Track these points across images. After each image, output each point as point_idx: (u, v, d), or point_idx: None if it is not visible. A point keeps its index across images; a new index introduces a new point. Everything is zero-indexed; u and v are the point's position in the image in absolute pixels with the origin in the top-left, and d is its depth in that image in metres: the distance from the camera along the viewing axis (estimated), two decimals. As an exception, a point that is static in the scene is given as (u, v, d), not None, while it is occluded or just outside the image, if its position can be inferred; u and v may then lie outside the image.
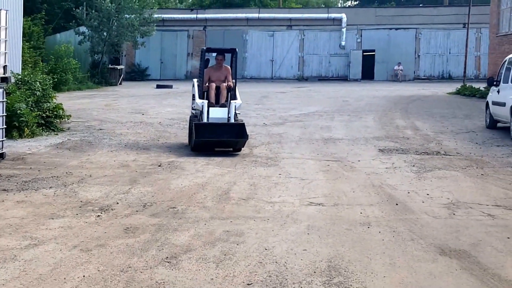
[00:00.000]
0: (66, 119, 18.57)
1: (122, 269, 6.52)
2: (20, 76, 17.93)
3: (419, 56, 49.95)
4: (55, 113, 17.97)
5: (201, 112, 14.36)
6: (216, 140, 14.07)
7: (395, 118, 22.06)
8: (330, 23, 49.79)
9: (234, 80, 15.24)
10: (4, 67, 13.25)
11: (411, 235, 7.92)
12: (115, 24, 40.45)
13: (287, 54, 49.83)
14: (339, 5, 77.35)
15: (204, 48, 16.04)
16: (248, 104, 26.90)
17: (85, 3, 42.29)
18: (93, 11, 40.26)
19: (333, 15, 49.81)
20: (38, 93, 17.32)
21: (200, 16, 50.00)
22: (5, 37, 13.19)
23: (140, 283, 6.14)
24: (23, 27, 37.48)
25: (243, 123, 14.31)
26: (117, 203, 9.44)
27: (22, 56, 25.14)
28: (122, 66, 44.86)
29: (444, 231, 8.13)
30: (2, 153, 13.10)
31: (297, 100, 30.19)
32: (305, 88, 40.20)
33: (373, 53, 49.82)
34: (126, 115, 22.67)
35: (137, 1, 40.55)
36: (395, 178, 11.46)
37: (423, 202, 9.68)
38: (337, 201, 9.70)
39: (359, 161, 13.36)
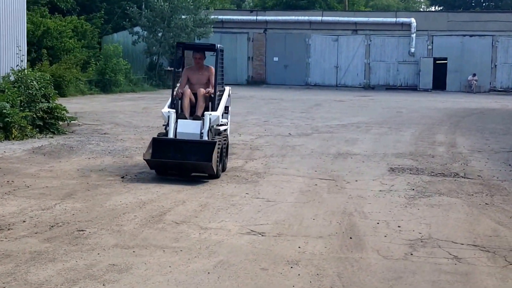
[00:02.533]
0: (68, 121, 17.78)
1: None
2: (18, 74, 17.08)
3: (495, 66, 47.53)
4: (55, 114, 17.09)
5: (167, 124, 11.70)
6: (175, 162, 11.29)
7: (437, 133, 20.54)
8: (398, 28, 47.88)
9: (223, 85, 13.25)
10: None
11: (334, 281, 6.58)
12: (171, 24, 39.65)
13: (352, 61, 48.21)
14: (422, 9, 74.81)
15: (178, 43, 13.83)
16: (293, 113, 26.12)
17: (143, 3, 41.84)
18: (147, 10, 39.70)
19: (401, 20, 47.80)
20: (35, 92, 16.43)
21: (260, 18, 48.92)
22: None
23: None
24: (75, 26, 37.45)
25: (214, 142, 11.23)
26: (24, 221, 8.48)
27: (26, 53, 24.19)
28: (180, 69, 44.07)
29: (380, 277, 6.77)
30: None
31: (348, 110, 28.89)
32: (367, 98, 38.75)
33: (445, 61, 47.65)
34: (151, 120, 21.95)
35: (191, 1, 39.77)
36: (378, 204, 10.14)
37: (385, 236, 8.33)
38: (284, 231, 8.46)
39: (356, 181, 12.06)
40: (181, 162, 11.27)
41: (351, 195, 10.81)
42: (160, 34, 40.13)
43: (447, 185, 11.89)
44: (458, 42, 47.44)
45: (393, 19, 48.00)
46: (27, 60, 31.94)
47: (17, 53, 17.08)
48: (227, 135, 12.61)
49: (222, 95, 12.74)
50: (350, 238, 8.20)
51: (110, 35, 43.72)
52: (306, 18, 48.46)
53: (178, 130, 11.52)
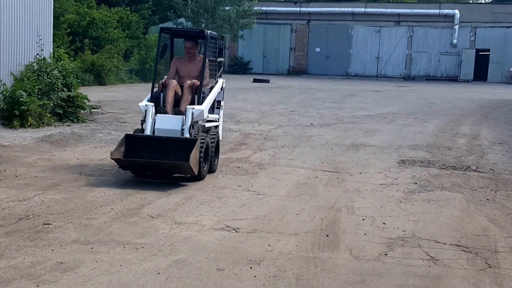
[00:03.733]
0: (88, 110, 17.41)
1: None
2: (38, 63, 16.75)
3: (539, 57, 45.68)
4: (75, 102, 16.75)
5: (144, 119, 10.19)
6: (149, 161, 9.78)
7: (463, 124, 19.63)
8: (441, 19, 46.50)
9: (217, 78, 11.72)
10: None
11: (289, 284, 5.97)
12: (214, 15, 39.19)
13: (394, 51, 47.05)
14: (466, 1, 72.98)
15: (162, 27, 11.71)
16: (323, 103, 25.42)
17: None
18: (191, 1, 39.30)
19: (445, 11, 46.38)
20: (54, 81, 16.08)
21: (303, 9, 48.05)
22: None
23: None
24: (120, 17, 37.28)
25: (195, 139, 9.69)
26: (-5, 213, 7.95)
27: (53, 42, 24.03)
28: (222, 59, 43.59)
29: (342, 280, 6.16)
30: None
31: (380, 100, 27.97)
32: (405, 88, 37.69)
33: (488, 52, 46.06)
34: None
35: (234, -8, 39.30)
36: (372, 199, 9.47)
37: (365, 234, 7.67)
38: (260, 227, 7.87)
39: (360, 173, 11.39)
40: (155, 162, 9.71)
41: (348, 188, 10.15)
42: (203, 25, 39.64)
43: (453, 179, 11.14)
44: (502, 34, 45.78)
45: (437, 11, 46.60)
46: (72, 50, 32.14)
47: (37, 42, 16.64)
48: (216, 132, 11.08)
49: (213, 88, 11.20)
50: (327, 235, 7.57)
51: (156, 26, 43.46)
52: (349, 9, 47.44)
53: (156, 126, 10.08)
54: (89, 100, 17.34)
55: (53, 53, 18.73)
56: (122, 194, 9.24)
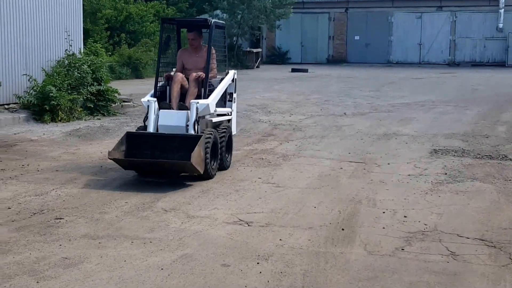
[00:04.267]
0: (119, 103, 17.40)
1: None
2: (74, 57, 16.79)
3: None
4: (106, 96, 16.76)
5: (146, 116, 9.68)
6: (148, 161, 9.21)
7: (505, 111, 19.10)
8: (485, 3, 45.37)
9: (227, 69, 11.04)
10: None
11: (295, 280, 5.73)
12: (250, 6, 38.98)
13: (436, 38, 46.17)
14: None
15: (165, 18, 11.45)
16: (361, 91, 25.04)
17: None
18: (226, -8, 39.21)
19: (489, -6, 45.27)
20: (84, 75, 16.08)
21: (342, -4, 47.54)
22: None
23: None
24: (156, 11, 37.32)
25: (199, 136, 9.04)
26: (9, 208, 8.01)
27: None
28: (259, 49, 43.56)
29: (352, 276, 5.90)
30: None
31: (421, 88, 27.43)
32: (448, 75, 36.97)
33: (536, 36, 44.88)
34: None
35: (270, -18, 39.02)
36: (396, 191, 9.16)
37: (383, 228, 7.38)
38: (274, 220, 7.64)
39: (388, 164, 11.07)
40: (155, 161, 9.12)
41: (372, 180, 9.85)
42: (239, 17, 39.56)
43: (487, 168, 10.74)
44: (551, 16, 44.50)
45: (481, -7, 45.47)
46: (110, 44, 32.31)
47: (65, 38, 16.66)
48: (227, 126, 10.37)
49: (222, 80, 10.54)
50: (342, 229, 7.30)
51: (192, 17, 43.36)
52: (389, -5, 46.73)
53: (159, 123, 9.50)
54: (119, 94, 17.33)
55: (89, 48, 18.83)
56: (139, 187, 9.14)
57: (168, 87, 10.10)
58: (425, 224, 7.51)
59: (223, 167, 10.00)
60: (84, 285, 5.52)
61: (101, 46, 21.47)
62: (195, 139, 8.97)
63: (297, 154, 11.86)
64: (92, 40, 22.65)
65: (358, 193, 8.95)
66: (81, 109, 15.99)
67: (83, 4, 28.19)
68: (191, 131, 9.32)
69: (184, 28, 11.07)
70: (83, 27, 23.34)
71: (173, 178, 9.44)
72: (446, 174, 10.28)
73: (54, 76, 15.73)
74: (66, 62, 16.63)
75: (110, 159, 9.12)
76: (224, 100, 10.73)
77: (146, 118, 9.64)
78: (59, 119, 15.19)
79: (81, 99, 15.95)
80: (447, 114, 18.29)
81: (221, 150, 9.79)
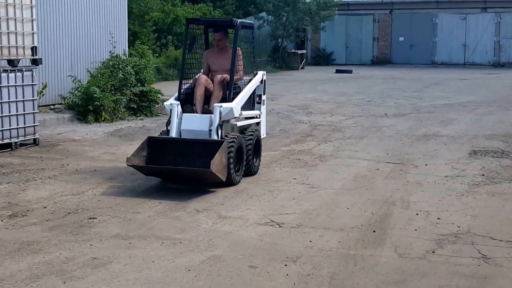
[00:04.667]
0: (162, 104, 17.41)
1: None
2: (118, 59, 16.86)
3: None
4: (149, 97, 16.80)
5: (169, 120, 9.17)
6: (168, 168, 8.72)
7: (549, 112, 18.50)
8: (531, 4, 44.38)
9: (255, 70, 10.41)
10: (33, 48, 12.16)
11: (321, 283, 5.59)
12: (295, 8, 38.80)
13: (481, 39, 45.22)
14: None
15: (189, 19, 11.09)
16: (404, 92, 24.65)
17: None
18: (271, -6, 39.07)
19: (535, -5, 44.26)
20: (127, 77, 16.13)
21: (386, -1, 46.97)
22: (32, 16, 12.07)
23: None
24: (203, 13, 37.41)
25: (221, 141, 8.51)
26: (45, 207, 7.99)
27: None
28: (304, 51, 43.28)
29: (381, 280, 5.71)
30: (36, 138, 12.22)
31: (464, 89, 26.89)
32: (493, 75, 36.19)
33: None
34: (253, 101, 21.05)
35: (315, -16, 38.75)
36: (431, 192, 8.94)
37: (416, 230, 7.18)
38: (306, 221, 7.51)
39: (426, 165, 10.84)
40: (176, 168, 8.62)
41: (408, 181, 9.64)
42: (284, 18, 39.33)
43: (525, 170, 10.41)
44: None
45: (526, -6, 44.50)
46: (157, 46, 32.45)
47: (109, 40, 16.75)
48: (255, 130, 9.75)
49: (250, 81, 9.97)
50: (374, 231, 7.12)
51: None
52: (433, -4, 46.00)
53: (182, 127, 9.02)
54: (162, 94, 17.29)
55: (137, 49, 18.93)
56: (175, 188, 9.04)
57: (194, 90, 9.59)
58: (458, 227, 7.30)
59: (250, 172, 9.47)
60: (110, 285, 5.46)
61: (148, 48, 21.51)
62: (217, 144, 8.42)
63: (334, 155, 11.68)
64: (139, 42, 22.70)
65: (392, 195, 8.75)
66: (124, 109, 16.03)
67: (131, 7, 28.54)
68: (214, 136, 8.80)
69: (211, 29, 10.36)
70: (131, 29, 23.52)
71: (196, 186, 8.90)
72: (483, 175, 10.00)
73: (98, 77, 15.80)
74: (110, 63, 16.67)
75: (129, 165, 8.61)
76: (253, 102, 10.24)
77: (169, 122, 9.14)
78: (102, 119, 15.25)
79: (124, 99, 15.99)
80: (489, 115, 17.88)
81: (247, 155, 9.25)
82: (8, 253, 6.22)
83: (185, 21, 34.59)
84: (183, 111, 9.14)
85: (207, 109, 9.18)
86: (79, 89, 15.44)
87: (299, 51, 42.02)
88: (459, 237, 6.93)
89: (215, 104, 8.96)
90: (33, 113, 12.19)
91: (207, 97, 9.37)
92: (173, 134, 8.94)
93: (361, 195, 8.75)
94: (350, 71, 37.04)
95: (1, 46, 11.56)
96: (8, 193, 8.57)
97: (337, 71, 37.48)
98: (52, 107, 15.60)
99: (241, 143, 8.98)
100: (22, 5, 11.90)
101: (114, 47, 16.68)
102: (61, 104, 15.74)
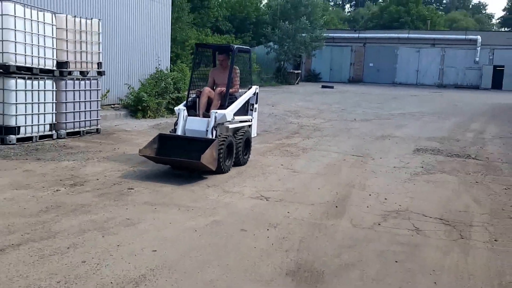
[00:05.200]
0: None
1: None
2: (165, 72, 16.80)
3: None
4: (183, 101, 16.56)
5: (177, 121, 8.84)
6: (172, 159, 8.19)
7: (475, 121, 18.25)
8: (467, 43, 43.93)
9: (250, 85, 9.90)
10: (99, 63, 12.02)
11: (293, 244, 5.38)
12: (294, 40, 38.54)
13: (430, 66, 44.86)
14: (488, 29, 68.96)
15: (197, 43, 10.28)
16: (370, 104, 24.36)
17: (276, 26, 40.91)
18: (278, 30, 38.79)
19: (470, 37, 43.83)
20: (167, 85, 15.98)
21: (361, 35, 46.52)
22: (99, 40, 11.94)
23: None
24: (227, 41, 37.11)
25: (211, 139, 8.11)
26: (97, 179, 7.77)
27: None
28: (299, 71, 43.02)
29: (337, 244, 5.49)
30: (98, 128, 12.04)
31: (415, 102, 26.54)
32: (437, 93, 35.80)
33: (503, 68, 43.29)
34: (260, 106, 20.75)
35: (309, 23, 38.41)
36: (382, 179, 8.67)
37: (367, 207, 6.94)
38: (287, 197, 7.26)
39: (380, 158, 10.57)
40: (176, 160, 8.11)
41: (366, 169, 9.38)
42: (286, 47, 39.07)
43: (454, 164, 10.16)
44: (514, 54, 42.91)
45: (463, 36, 44.12)
46: (193, 63, 32.24)
47: (156, 59, 16.63)
48: (246, 131, 9.25)
49: (244, 93, 9.50)
50: (336, 207, 6.89)
51: (253, 47, 43.15)
52: (396, 35, 45.58)
53: (186, 127, 8.67)
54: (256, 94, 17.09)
55: (178, 66, 18.81)
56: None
57: (198, 99, 9.14)
58: (400, 205, 7.06)
59: (239, 163, 8.94)
60: (136, 240, 5.28)
61: (186, 65, 21.32)
62: (210, 142, 8.02)
63: (313, 148, 11.45)
64: (180, 61, 22.49)
65: (353, 180, 8.52)
66: (164, 109, 15.86)
67: (176, 36, 28.30)
68: (209, 135, 8.43)
69: (216, 51, 9.73)
70: (175, 52, 23.29)
71: (194, 173, 8.28)
72: (422, 167, 9.75)
73: (146, 86, 15.68)
74: (156, 76, 16.51)
75: (141, 155, 8.11)
76: (247, 109, 9.68)
77: (176, 122, 8.75)
78: (148, 116, 15.10)
79: (165, 102, 15.83)
80: (431, 122, 17.60)
81: (237, 150, 8.80)
82: (66, 213, 6.06)
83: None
84: (189, 114, 8.79)
85: (206, 114, 8.78)
86: (132, 93, 15.31)
87: (296, 71, 41.76)
88: (399, 213, 6.70)
89: (212, 110, 8.59)
90: (97, 110, 12.02)
91: (209, 104, 8.96)
92: (179, 132, 8.61)
93: (330, 179, 8.52)
94: (332, 87, 36.76)
95: (75, 61, 11.40)
96: (72, 168, 8.39)
97: (323, 87, 37.20)
98: (112, 106, 15.47)
99: (232, 141, 8.56)
100: (92, 32, 11.73)
101: (159, 64, 16.54)
102: (119, 104, 15.62)
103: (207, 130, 8.47)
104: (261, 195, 7.27)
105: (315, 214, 6.51)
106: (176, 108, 8.86)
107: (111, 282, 4.18)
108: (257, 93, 9.91)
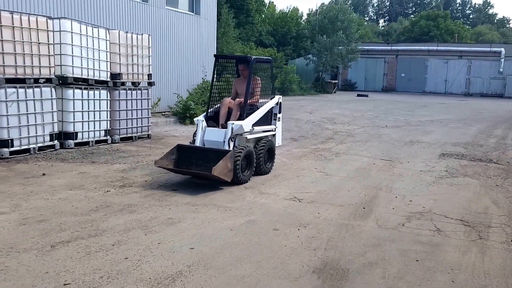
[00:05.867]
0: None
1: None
2: (207, 84, 16.84)
3: None
4: (227, 109, 16.60)
5: (195, 131, 8.08)
6: (189, 171, 7.56)
7: (499, 128, 17.57)
8: (492, 55, 42.39)
9: (272, 95, 8.98)
10: (149, 75, 12.16)
11: (320, 243, 5.25)
12: (332, 52, 38.17)
13: (457, 76, 43.58)
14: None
15: (216, 54, 9.30)
16: (401, 111, 23.78)
17: (314, 39, 40.60)
18: (316, 43, 38.51)
19: (494, 49, 42.34)
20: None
21: (393, 47, 45.62)
22: (149, 54, 12.07)
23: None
24: (270, 54, 37.06)
25: (226, 151, 7.39)
26: (146, 181, 7.81)
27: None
28: (336, 81, 42.55)
29: (362, 243, 5.34)
30: (149, 134, 12.18)
31: (443, 110, 25.76)
32: (463, 102, 34.71)
33: (527, 77, 41.67)
34: (297, 113, 20.67)
35: (345, 37, 37.97)
36: (409, 182, 8.41)
37: (393, 208, 6.73)
38: (318, 198, 7.12)
39: (408, 162, 10.27)
40: (192, 171, 7.50)
41: (394, 173, 9.12)
42: (324, 59, 38.69)
43: (476, 168, 9.78)
44: (537, 64, 41.20)
45: (488, 49, 42.70)
46: (212, 74, 32.42)
47: (202, 71, 16.70)
48: (268, 140, 8.44)
49: (266, 103, 8.61)
50: (364, 208, 6.71)
51: (293, 59, 43.00)
52: (425, 48, 44.51)
53: (205, 138, 7.92)
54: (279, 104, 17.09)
55: (223, 77, 18.94)
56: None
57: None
58: (423, 207, 6.83)
59: (261, 172, 8.21)
60: (176, 238, 5.26)
61: (231, 76, 21.41)
62: (224, 153, 7.30)
63: (346, 153, 11.23)
64: (226, 73, 22.65)
65: (381, 182, 8.30)
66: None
67: (222, 49, 28.43)
68: (226, 146, 7.66)
69: (237, 63, 8.83)
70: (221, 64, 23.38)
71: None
72: (447, 171, 9.43)
73: (194, 95, 15.75)
74: (202, 86, 16.57)
75: (157, 166, 7.48)
76: (270, 119, 8.81)
77: (195, 133, 8.04)
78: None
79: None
80: (457, 129, 17.04)
81: (258, 160, 8.07)
82: (114, 212, 6.09)
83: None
84: (208, 125, 8.02)
85: (224, 125, 7.96)
86: (181, 102, 15.42)
87: (333, 81, 41.32)
88: (423, 214, 6.48)
89: (229, 122, 7.82)
90: (148, 117, 12.16)
91: (230, 114, 8.21)
92: (198, 143, 7.85)
93: (359, 181, 8.33)
94: (366, 95, 36.18)
95: (128, 73, 11.56)
96: (123, 170, 8.47)
97: (358, 95, 36.69)
98: (163, 113, 15.62)
99: (250, 151, 7.78)
100: (142, 46, 11.87)
101: (205, 75, 16.59)
102: (169, 112, 15.75)
103: (224, 141, 7.74)
104: (295, 197, 7.16)
105: (344, 214, 6.35)
106: (195, 119, 8.16)
107: (150, 278, 4.15)
108: (281, 102, 9.10)
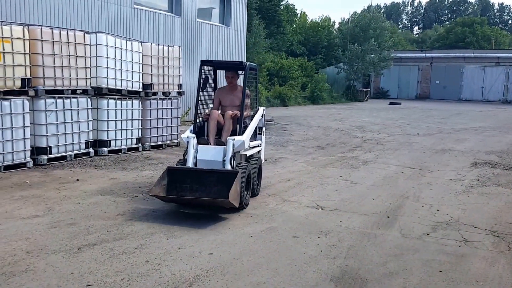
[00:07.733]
0: (273, 122, 17.34)
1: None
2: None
3: None
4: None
5: (186, 150, 6.81)
6: (189, 199, 6.29)
7: (537, 136, 17.00)
8: (531, 61, 41.46)
9: (257, 106, 7.97)
10: (179, 85, 12.35)
11: (340, 252, 5.18)
12: (364, 60, 37.94)
13: (494, 83, 42.64)
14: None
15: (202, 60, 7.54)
16: (434, 119, 23.42)
17: (346, 48, 40.44)
18: (347, 52, 38.34)
19: (533, 55, 41.38)
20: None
21: (427, 55, 45.06)
22: (179, 65, 12.28)
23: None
24: (300, 63, 37.22)
25: (236, 172, 6.23)
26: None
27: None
28: (368, 89, 42.31)
29: (384, 252, 5.23)
30: (178, 142, 12.41)
31: (478, 118, 25.24)
32: (501, 109, 33.93)
33: None
34: (326, 121, 20.60)
35: (377, 45, 37.69)
36: (437, 191, 8.23)
37: (419, 217, 6.59)
38: (341, 207, 7.03)
39: (438, 171, 10.06)
40: (194, 199, 6.25)
41: (422, 181, 8.94)
42: (355, 67, 38.50)
43: (510, 177, 9.51)
44: None
45: (527, 54, 41.70)
46: (268, 85, 32.53)
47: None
48: (258, 158, 7.48)
49: (254, 116, 7.64)
50: (388, 217, 6.59)
51: (324, 68, 42.87)
52: (461, 54, 43.80)
53: (198, 157, 6.72)
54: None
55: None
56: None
57: (206, 123, 7.30)
58: (451, 217, 6.66)
59: (253, 194, 7.22)
60: (196, 243, 5.28)
61: (261, 85, 21.52)
62: (231, 174, 6.27)
63: (373, 161, 11.09)
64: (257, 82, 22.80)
65: (408, 191, 8.14)
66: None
67: (253, 59, 28.64)
68: (227, 166, 6.60)
69: (221, 70, 7.89)
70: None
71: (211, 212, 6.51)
72: (478, 180, 9.19)
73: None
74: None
75: (151, 195, 6.16)
76: (255, 133, 7.80)
77: (185, 152, 6.84)
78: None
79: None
80: (492, 137, 16.63)
81: (253, 180, 7.02)
82: (139, 217, 6.17)
83: (288, 68, 34.71)
84: (198, 142, 6.86)
85: (219, 141, 6.93)
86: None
87: (364, 89, 41.07)
88: (449, 224, 6.31)
89: (229, 137, 6.76)
90: (177, 126, 12.36)
91: (218, 129, 7.21)
92: (189, 163, 6.64)
93: (385, 190, 8.20)
94: (399, 103, 35.78)
95: (159, 83, 11.78)
96: (151, 176, 8.58)
97: (390, 103, 36.34)
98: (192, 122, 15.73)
99: (250, 171, 6.83)
100: (173, 57, 12.07)
101: (234, 84, 16.64)
102: (198, 120, 15.84)
103: (224, 160, 6.67)
104: (317, 204, 7.09)
105: (367, 223, 6.25)
106: (183, 136, 6.89)
107: (168, 281, 4.18)
108: (264, 115, 8.14)
